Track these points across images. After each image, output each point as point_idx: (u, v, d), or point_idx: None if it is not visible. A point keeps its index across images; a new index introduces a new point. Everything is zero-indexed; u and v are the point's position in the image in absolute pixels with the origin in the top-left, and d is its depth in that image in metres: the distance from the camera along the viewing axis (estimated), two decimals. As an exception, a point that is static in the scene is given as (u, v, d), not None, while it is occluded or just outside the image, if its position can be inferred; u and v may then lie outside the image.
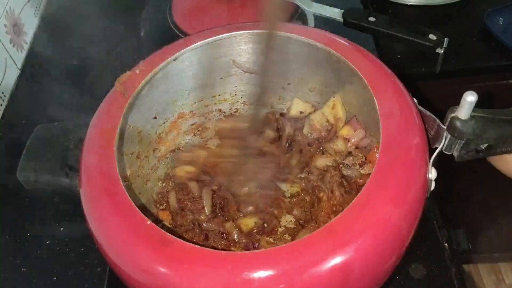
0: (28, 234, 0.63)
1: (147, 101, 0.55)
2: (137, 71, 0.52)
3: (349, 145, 0.58)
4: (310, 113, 0.62)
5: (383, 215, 0.38)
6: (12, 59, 0.82)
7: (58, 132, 0.52)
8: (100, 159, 0.45)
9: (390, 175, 0.40)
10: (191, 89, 0.60)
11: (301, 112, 0.62)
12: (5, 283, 0.59)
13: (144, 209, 0.55)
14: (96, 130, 0.48)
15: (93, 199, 0.43)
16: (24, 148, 0.51)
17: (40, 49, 0.88)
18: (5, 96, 0.80)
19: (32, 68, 0.85)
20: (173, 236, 0.38)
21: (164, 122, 0.60)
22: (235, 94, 0.64)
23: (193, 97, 0.62)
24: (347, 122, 0.59)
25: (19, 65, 0.84)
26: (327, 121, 0.61)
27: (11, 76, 0.82)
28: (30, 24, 0.90)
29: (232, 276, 0.36)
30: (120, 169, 0.44)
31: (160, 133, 0.60)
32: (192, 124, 0.64)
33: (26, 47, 0.87)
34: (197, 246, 0.38)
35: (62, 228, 0.63)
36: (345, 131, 0.58)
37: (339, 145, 0.59)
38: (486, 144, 0.44)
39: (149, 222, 0.40)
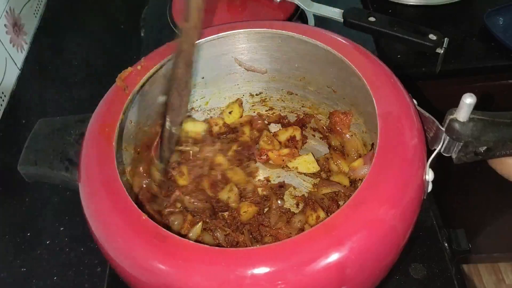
0: (28, 234, 0.63)
1: (148, 98, 0.55)
2: (139, 67, 0.52)
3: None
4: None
5: (378, 215, 0.38)
6: (12, 59, 0.82)
7: (60, 126, 0.52)
8: (100, 154, 0.45)
9: (387, 175, 0.40)
10: (192, 86, 0.60)
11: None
12: (5, 283, 0.59)
13: (142, 205, 0.55)
14: (97, 125, 0.48)
15: (91, 193, 0.44)
16: (26, 141, 0.51)
17: (40, 49, 0.88)
18: (5, 96, 0.80)
19: (32, 68, 0.85)
20: (168, 232, 0.38)
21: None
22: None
23: (195, 94, 0.62)
24: (365, 155, 0.56)
25: (19, 65, 0.84)
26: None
27: (11, 76, 0.82)
28: (30, 24, 0.90)
29: (226, 272, 0.36)
30: (119, 164, 0.44)
31: (161, 129, 0.60)
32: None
33: (26, 47, 0.87)
34: (191, 241, 0.38)
35: (62, 228, 0.63)
36: (358, 163, 0.55)
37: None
38: (485, 147, 0.43)
39: (144, 217, 0.40)
